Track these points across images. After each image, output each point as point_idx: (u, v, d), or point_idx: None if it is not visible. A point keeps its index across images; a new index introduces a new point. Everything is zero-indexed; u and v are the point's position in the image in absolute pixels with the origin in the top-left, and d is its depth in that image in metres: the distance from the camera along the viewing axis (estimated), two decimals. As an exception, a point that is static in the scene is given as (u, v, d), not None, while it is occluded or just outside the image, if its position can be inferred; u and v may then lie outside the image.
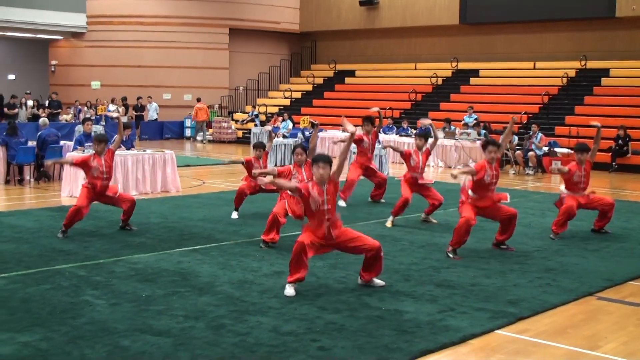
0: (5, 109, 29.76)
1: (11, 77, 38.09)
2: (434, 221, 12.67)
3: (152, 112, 33.74)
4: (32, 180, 17.36)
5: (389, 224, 12.31)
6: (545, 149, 22.24)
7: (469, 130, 23.65)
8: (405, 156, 12.77)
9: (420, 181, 12.62)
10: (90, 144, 15.45)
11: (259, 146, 12.57)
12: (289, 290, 7.88)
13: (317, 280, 8.50)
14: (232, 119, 34.17)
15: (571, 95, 27.86)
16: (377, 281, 8.33)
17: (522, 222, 12.51)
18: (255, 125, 30.64)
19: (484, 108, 27.87)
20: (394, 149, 13.95)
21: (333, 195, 8.03)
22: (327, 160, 8.00)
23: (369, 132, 14.57)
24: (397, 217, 12.45)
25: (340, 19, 36.51)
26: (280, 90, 36.74)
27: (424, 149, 12.84)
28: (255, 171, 11.50)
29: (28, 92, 32.07)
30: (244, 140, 31.40)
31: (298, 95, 35.73)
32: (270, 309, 7.34)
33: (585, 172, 11.65)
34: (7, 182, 16.98)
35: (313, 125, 12.03)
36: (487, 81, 31.09)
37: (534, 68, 30.84)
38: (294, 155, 10.69)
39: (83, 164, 11.21)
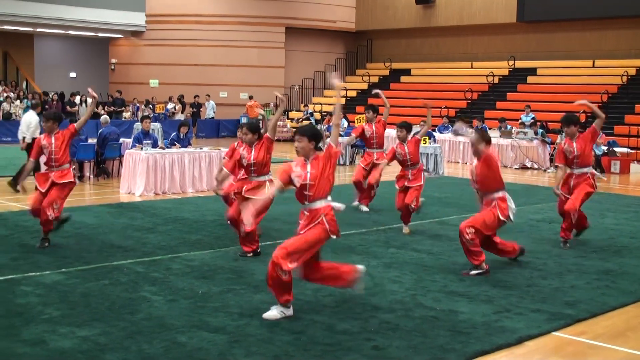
0: (68, 107, 30.46)
1: (72, 75, 38.88)
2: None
3: (209, 111, 34.13)
4: (91, 177, 17.69)
5: (406, 230, 11.53)
6: (605, 148, 21.90)
7: (526, 130, 23.44)
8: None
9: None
10: (149, 141, 15.74)
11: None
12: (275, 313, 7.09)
13: (372, 279, 8.48)
14: (288, 118, 34.33)
15: (631, 93, 27.34)
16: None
17: (581, 223, 12.34)
18: (310, 123, 30.71)
19: (541, 107, 27.53)
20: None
21: (318, 168, 7.15)
22: (302, 133, 7.21)
23: (372, 121, 13.64)
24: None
25: (396, 17, 36.41)
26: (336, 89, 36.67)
27: (408, 139, 11.62)
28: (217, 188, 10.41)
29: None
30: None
31: (353, 94, 35.73)
32: (324, 308, 7.35)
33: (579, 146, 10.65)
34: (67, 178, 17.27)
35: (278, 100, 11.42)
36: (544, 80, 30.69)
37: (593, 66, 30.35)
38: (242, 135, 9.88)
39: (37, 148, 10.26)
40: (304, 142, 7.13)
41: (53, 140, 10.11)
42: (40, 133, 16.48)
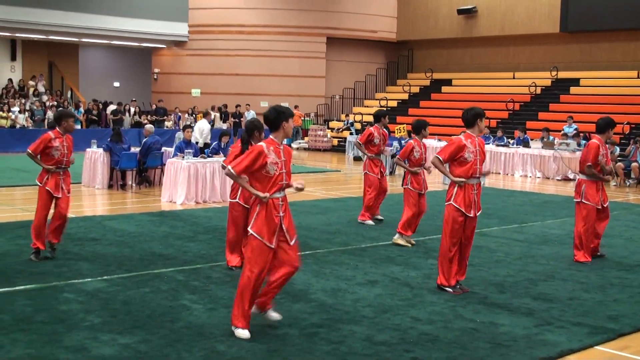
0: (112, 116, 30.96)
1: (116, 84, 39.50)
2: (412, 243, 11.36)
3: (249, 120, 34.31)
4: (134, 185, 17.90)
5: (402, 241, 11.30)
6: (650, 160, 21.64)
7: (569, 141, 23.26)
8: (407, 150, 11.33)
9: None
10: (191, 150, 15.87)
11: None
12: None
13: (411, 290, 8.50)
14: (328, 127, 34.42)
15: (676, 104, 27.01)
16: (275, 314, 7.13)
17: (624, 236, 12.24)
18: (351, 133, 30.79)
19: (584, 118, 27.27)
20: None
21: (289, 158, 6.92)
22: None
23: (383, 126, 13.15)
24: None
25: (438, 27, 36.37)
26: (376, 99, 36.82)
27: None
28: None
29: (134, 99, 33.24)
30: (339, 149, 31.53)
31: (394, 103, 35.73)
32: (363, 318, 7.36)
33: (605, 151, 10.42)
34: (110, 186, 17.53)
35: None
36: (588, 90, 30.41)
37: (638, 77, 30.01)
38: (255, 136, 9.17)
39: (41, 145, 9.65)
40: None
41: (65, 143, 9.74)
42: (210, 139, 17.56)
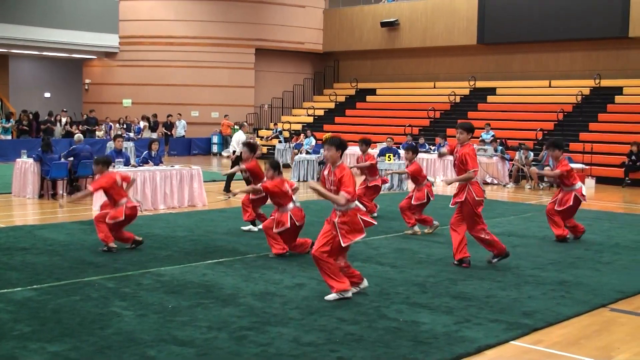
0: (42, 126, 30.57)
1: (47, 95, 38.97)
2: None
3: (180, 129, 34.31)
4: (64, 194, 17.71)
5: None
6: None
7: (486, 147, 23.95)
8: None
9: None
10: (121, 159, 15.83)
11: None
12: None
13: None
14: (257, 136, 34.54)
15: (585, 112, 28.03)
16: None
17: (538, 236, 12.68)
18: (280, 141, 30.98)
19: (500, 125, 28.17)
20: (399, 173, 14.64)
21: (338, 179, 8.22)
22: (331, 143, 8.37)
23: (364, 153, 15.02)
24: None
25: (362, 39, 36.90)
26: (304, 108, 37.10)
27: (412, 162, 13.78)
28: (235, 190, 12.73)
29: (65, 109, 32.86)
30: (268, 156, 31.64)
31: (321, 112, 36.08)
32: (291, 320, 7.48)
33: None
34: (41, 196, 17.33)
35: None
36: (503, 99, 31.39)
37: (549, 86, 31.11)
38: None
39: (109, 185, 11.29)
40: (332, 151, 8.26)
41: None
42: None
